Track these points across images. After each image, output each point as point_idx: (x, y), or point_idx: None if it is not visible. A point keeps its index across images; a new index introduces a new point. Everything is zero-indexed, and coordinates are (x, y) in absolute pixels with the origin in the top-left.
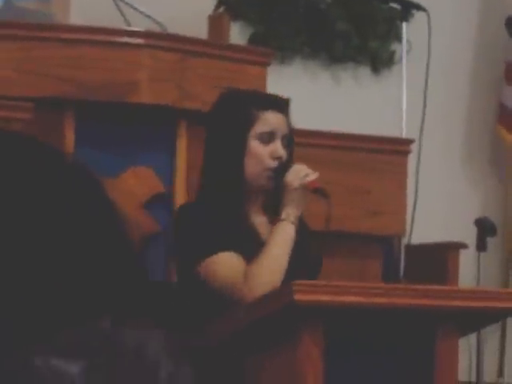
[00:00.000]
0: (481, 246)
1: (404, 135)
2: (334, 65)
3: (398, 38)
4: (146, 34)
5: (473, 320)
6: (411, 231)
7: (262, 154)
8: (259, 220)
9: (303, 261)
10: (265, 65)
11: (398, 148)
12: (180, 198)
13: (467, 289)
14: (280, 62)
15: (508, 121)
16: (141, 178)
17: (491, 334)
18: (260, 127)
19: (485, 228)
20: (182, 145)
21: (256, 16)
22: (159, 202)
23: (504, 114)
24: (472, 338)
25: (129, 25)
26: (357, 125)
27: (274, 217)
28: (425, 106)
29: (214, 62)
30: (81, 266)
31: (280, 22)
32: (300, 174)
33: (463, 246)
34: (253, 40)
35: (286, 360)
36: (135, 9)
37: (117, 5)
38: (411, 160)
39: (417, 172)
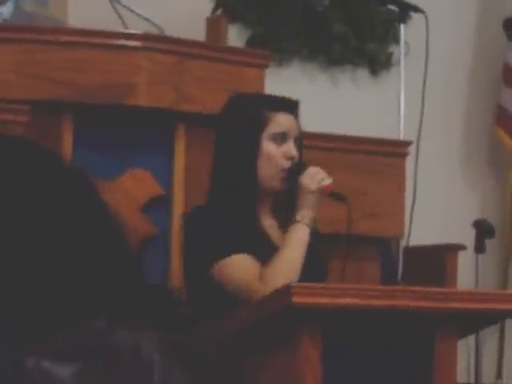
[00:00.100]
0: (479, 248)
1: (402, 137)
2: (332, 67)
3: (396, 40)
4: (144, 37)
5: (471, 322)
6: (409, 233)
7: (275, 155)
8: (269, 223)
9: (315, 263)
10: (263, 67)
11: (395, 150)
12: (178, 200)
13: (465, 291)
14: (278, 64)
15: (507, 123)
16: (139, 180)
17: (490, 335)
18: (273, 128)
19: (483, 230)
20: (180, 147)
21: (254, 18)
22: (157, 205)
23: (503, 117)
24: (470, 339)
25: (126, 27)
26: (355, 127)
27: (282, 220)
28: (423, 107)
29: (211, 64)
30: (76, 268)
31: (278, 24)
32: (317, 177)
33: (461, 247)
34: (251, 42)
35: (284, 362)
36: (133, 11)
37: (114, 7)
38: (409, 162)
39: (415, 174)
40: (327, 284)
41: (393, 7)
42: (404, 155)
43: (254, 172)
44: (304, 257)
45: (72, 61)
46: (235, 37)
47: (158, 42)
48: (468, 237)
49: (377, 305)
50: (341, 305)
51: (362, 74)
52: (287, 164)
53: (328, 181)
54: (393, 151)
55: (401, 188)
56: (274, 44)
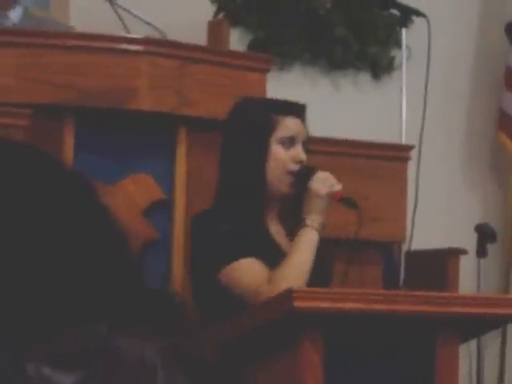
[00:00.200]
0: (481, 252)
1: (404, 141)
2: (333, 71)
3: (398, 44)
4: (146, 41)
5: (473, 326)
6: (411, 237)
7: (284, 159)
8: (275, 229)
9: (322, 268)
10: (264, 71)
11: (397, 154)
12: (180, 204)
13: (467, 295)
14: (280, 68)
15: (509, 128)
16: (140, 184)
17: (491, 340)
18: (281, 132)
19: (485, 234)
20: (181, 151)
21: (256, 22)
22: (159, 209)
23: (504, 121)
24: (472, 344)
25: (128, 31)
26: (357, 131)
27: (288, 226)
28: (425, 111)
29: (213, 68)
30: (77, 272)
31: (280, 28)
32: (327, 182)
33: (463, 252)
34: (252, 46)
35: (286, 367)
36: (134, 15)
37: (116, 11)
38: (411, 166)
39: (417, 178)
40: (329, 288)
41: (395, 11)
42: (406, 159)
43: (263, 176)
44: (313, 261)
45: (73, 65)
46: (237, 41)
47: (159, 46)
48: (470, 241)
49: (378, 309)
50: (342, 309)
51: (364, 77)
52: (296, 168)
53: (338, 186)
54: (394, 155)
55: (403, 192)
56: (275, 48)
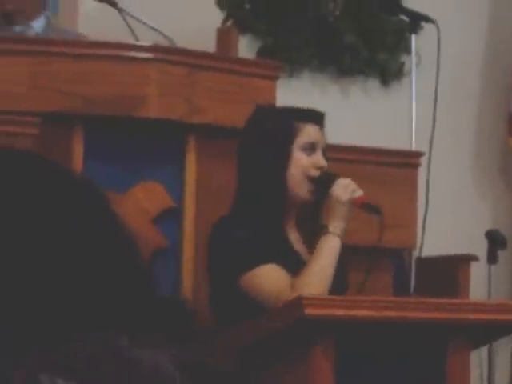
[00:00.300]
0: (492, 259)
1: (414, 148)
2: (342, 77)
3: (407, 50)
4: (154, 48)
5: (484, 333)
6: (422, 244)
7: (305, 165)
8: (294, 236)
9: (340, 276)
10: (274, 78)
11: (407, 161)
12: (189, 212)
13: (478, 301)
14: (289, 75)
15: None
16: (150, 192)
17: (502, 346)
18: (302, 139)
19: (496, 240)
20: (190, 159)
21: (264, 29)
22: (168, 217)
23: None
24: (483, 350)
25: (137, 39)
26: (366, 137)
27: (306, 234)
28: (434, 118)
29: (222, 75)
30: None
31: (288, 34)
32: (348, 188)
33: (474, 258)
34: (261, 53)
35: (297, 374)
36: (143, 23)
37: (124, 19)
38: (421, 172)
39: (427, 184)
40: (339, 296)
41: (404, 17)
42: (416, 166)
43: (284, 183)
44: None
45: (82, 73)
46: (246, 48)
47: (168, 54)
48: (480, 247)
49: (390, 316)
50: (354, 317)
51: (373, 84)
52: (316, 174)
53: (360, 192)
54: (405, 162)
55: (413, 199)
56: (284, 55)
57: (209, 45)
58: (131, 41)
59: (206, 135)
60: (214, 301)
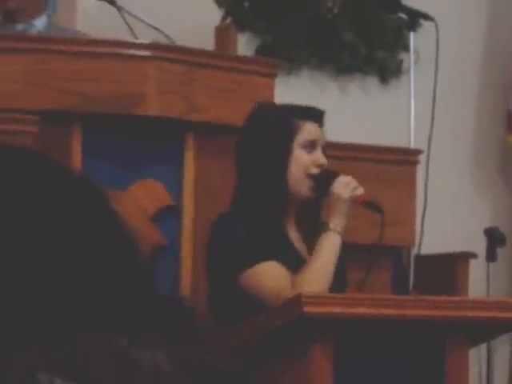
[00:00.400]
0: (490, 256)
1: (412, 145)
2: (341, 75)
3: (406, 48)
4: (153, 46)
5: (483, 330)
6: (420, 242)
7: (305, 162)
8: (294, 235)
9: (339, 274)
10: (272, 76)
11: (406, 158)
12: (188, 210)
13: (477, 299)
14: (287, 72)
15: None
16: (148, 190)
17: (501, 344)
18: (303, 136)
19: (494, 238)
20: (189, 157)
21: (263, 27)
22: (167, 215)
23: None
24: (482, 348)
25: (135, 37)
26: (365, 135)
27: (306, 233)
28: (433, 115)
29: (221, 73)
30: (87, 278)
31: (287, 32)
32: (349, 186)
33: (473, 255)
34: (260, 51)
35: (296, 371)
36: (141, 20)
37: (123, 16)
38: (420, 170)
39: (425, 182)
40: (338, 294)
41: (402, 15)
42: (414, 163)
43: (284, 180)
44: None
45: (81, 70)
46: (244, 46)
47: (166, 52)
48: (479, 245)
49: (389, 314)
50: (353, 314)
51: (372, 82)
52: (316, 171)
53: (361, 190)
54: (403, 159)
55: (411, 196)
56: (283, 53)
57: (207, 43)
58: (130, 39)
59: (204, 133)
60: (213, 298)
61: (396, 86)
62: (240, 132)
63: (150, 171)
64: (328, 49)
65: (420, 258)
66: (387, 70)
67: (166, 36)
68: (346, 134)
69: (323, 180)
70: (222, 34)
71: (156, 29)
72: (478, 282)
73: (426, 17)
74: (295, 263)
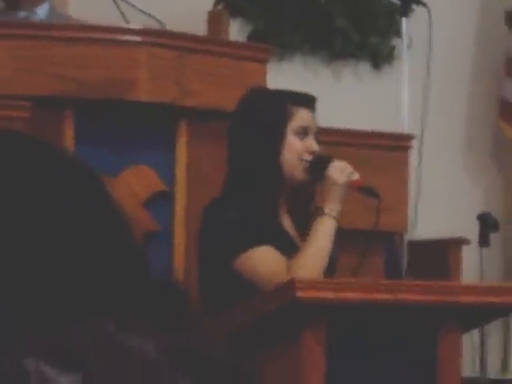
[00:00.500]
0: (483, 242)
1: (405, 131)
2: (334, 61)
3: (398, 34)
4: (145, 32)
5: (476, 315)
6: (413, 227)
7: (298, 148)
8: (287, 223)
9: (331, 258)
10: (264, 61)
11: (399, 144)
12: (180, 196)
13: (469, 284)
14: (280, 58)
15: (510, 116)
16: (141, 176)
17: (495, 328)
18: (296, 122)
19: (487, 223)
20: (181, 142)
21: (255, 13)
22: (160, 201)
23: (505, 109)
24: (476, 332)
25: (127, 22)
26: (358, 121)
27: (296, 218)
28: (426, 101)
29: (213, 58)
30: (82, 262)
31: (280, 18)
32: (345, 170)
33: (466, 241)
34: (252, 37)
35: (289, 357)
36: (133, 6)
37: (115, 2)
38: (413, 155)
39: (419, 167)
40: (331, 278)
41: (395, 0)
42: (407, 149)
43: (278, 166)
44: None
45: (72, 56)
46: (237, 31)
47: (158, 37)
48: (472, 230)
49: (381, 299)
50: (345, 299)
51: (365, 67)
52: (309, 157)
53: (357, 175)
54: (396, 145)
55: (404, 182)
56: (275, 38)
57: (199, 28)
58: (122, 24)
59: (196, 118)
60: (206, 284)
61: (389, 72)
62: (232, 117)
63: (142, 157)
64: (321, 34)
65: (413, 244)
66: (380, 56)
67: (157, 21)
68: (339, 120)
69: (317, 165)
70: (214, 19)
71: (148, 14)
72: (471, 267)
73: (419, 2)
74: (288, 248)
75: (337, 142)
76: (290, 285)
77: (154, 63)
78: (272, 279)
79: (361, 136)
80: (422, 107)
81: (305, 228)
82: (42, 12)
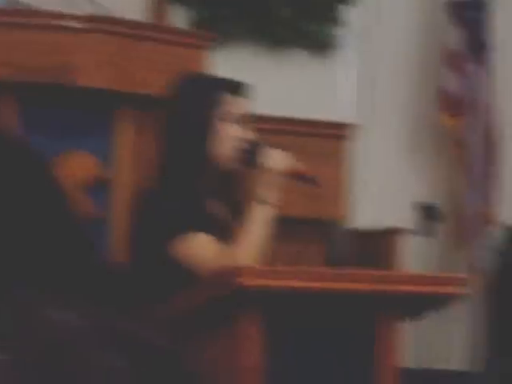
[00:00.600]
0: (425, 232)
1: (346, 119)
2: (275, 49)
3: (339, 21)
4: (89, 18)
5: (413, 305)
6: (354, 216)
7: (231, 137)
8: (220, 206)
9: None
10: (207, 48)
11: (338, 132)
12: (121, 182)
13: (408, 274)
14: (222, 46)
15: (448, 105)
16: (81, 162)
17: (431, 319)
18: (227, 109)
19: (430, 213)
20: (123, 129)
21: (198, 0)
22: (100, 187)
23: (445, 100)
24: (413, 323)
25: (71, 8)
26: (300, 109)
27: (230, 205)
28: (367, 88)
29: (155, 45)
30: (22, 241)
31: (221, 6)
32: (281, 158)
33: (407, 231)
34: (195, 24)
35: (228, 344)
36: None
37: None
38: (355, 144)
39: (360, 156)
40: (271, 266)
41: None
42: (347, 138)
43: (210, 154)
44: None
45: (16, 41)
46: (179, 18)
47: (102, 23)
48: (414, 221)
49: (320, 287)
50: (285, 287)
51: (307, 55)
52: (241, 145)
53: (294, 163)
54: (335, 133)
55: (344, 171)
56: (218, 26)
57: (141, 15)
58: (65, 10)
59: (138, 105)
60: (142, 270)
61: (331, 60)
62: (165, 104)
63: (83, 143)
64: (262, 22)
65: (353, 233)
66: (321, 44)
67: (100, 7)
68: (281, 108)
69: (250, 153)
70: (154, 6)
71: (92, 1)
72: (414, 257)
73: None
74: (222, 235)
75: (274, 129)
76: (230, 272)
77: (98, 49)
78: (207, 265)
79: (298, 124)
80: (364, 95)
81: (240, 215)
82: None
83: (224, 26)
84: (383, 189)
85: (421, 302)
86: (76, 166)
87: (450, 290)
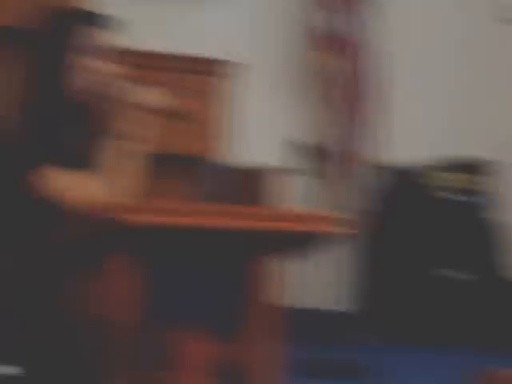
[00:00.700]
0: (300, 170)
1: (228, 57)
2: None
3: None
4: None
5: (280, 242)
6: (231, 153)
7: (86, 68)
8: (74, 135)
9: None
10: None
11: (212, 69)
12: None
13: (276, 211)
14: None
15: (315, 41)
16: None
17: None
18: (84, 41)
19: (301, 151)
20: None
21: None
22: None
23: (312, 37)
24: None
25: None
26: (179, 46)
27: (87, 135)
28: (244, 26)
29: None
30: None
31: None
32: (151, 95)
33: (283, 170)
34: None
35: (103, 280)
36: None
37: None
38: (235, 82)
39: (238, 95)
40: (145, 203)
41: None
42: (217, 74)
43: (65, 84)
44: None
45: None
46: None
47: None
48: (284, 158)
49: (191, 223)
50: (159, 223)
51: None
52: (98, 78)
53: (166, 99)
54: (210, 70)
55: (220, 108)
56: None
57: None
58: None
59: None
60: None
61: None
62: (26, 35)
63: None
64: None
65: (227, 170)
66: None
67: None
68: (178, 47)
69: (106, 86)
70: None
71: None
72: (296, 196)
73: None
74: (78, 165)
75: (146, 64)
76: (105, 207)
77: None
78: (61, 196)
79: (173, 60)
80: (248, 35)
81: (97, 147)
82: None
83: None
84: (258, 126)
85: (287, 239)
86: None
87: (316, 228)
